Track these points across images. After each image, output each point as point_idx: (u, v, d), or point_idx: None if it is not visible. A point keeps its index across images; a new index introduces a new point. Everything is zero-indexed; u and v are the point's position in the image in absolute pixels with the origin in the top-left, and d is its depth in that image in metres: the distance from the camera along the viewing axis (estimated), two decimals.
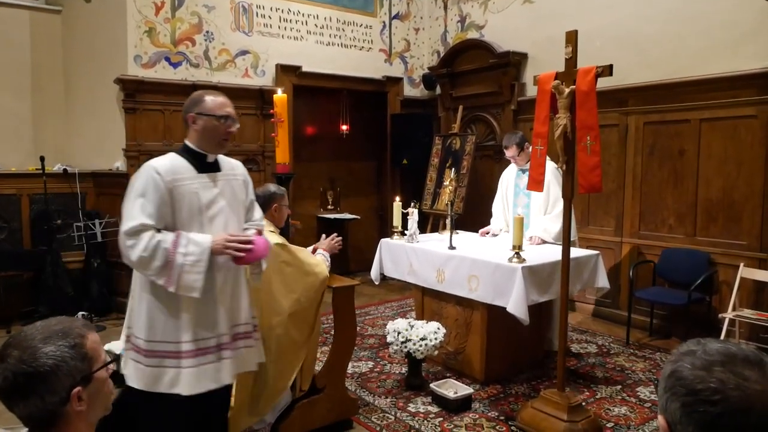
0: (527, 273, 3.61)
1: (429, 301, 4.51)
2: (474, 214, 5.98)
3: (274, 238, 3.16)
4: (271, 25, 6.54)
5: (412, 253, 4.42)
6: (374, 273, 4.74)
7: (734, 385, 0.91)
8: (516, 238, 3.69)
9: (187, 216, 2.36)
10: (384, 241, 4.74)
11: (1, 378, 1.20)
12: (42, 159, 5.33)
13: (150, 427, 2.47)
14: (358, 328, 4.85)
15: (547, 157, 4.00)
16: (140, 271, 2.34)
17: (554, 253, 3.76)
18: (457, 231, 4.81)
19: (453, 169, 6.52)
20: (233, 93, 6.20)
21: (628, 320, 5.00)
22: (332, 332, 3.61)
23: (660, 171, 5.21)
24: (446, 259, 4.12)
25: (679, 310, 4.89)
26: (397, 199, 4.70)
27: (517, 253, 3.69)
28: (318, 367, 3.52)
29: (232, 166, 2.60)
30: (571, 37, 3.16)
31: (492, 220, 4.99)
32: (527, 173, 4.61)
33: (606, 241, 5.58)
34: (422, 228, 5.27)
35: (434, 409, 3.69)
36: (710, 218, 4.89)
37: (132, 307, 2.42)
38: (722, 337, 4.30)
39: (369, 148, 7.88)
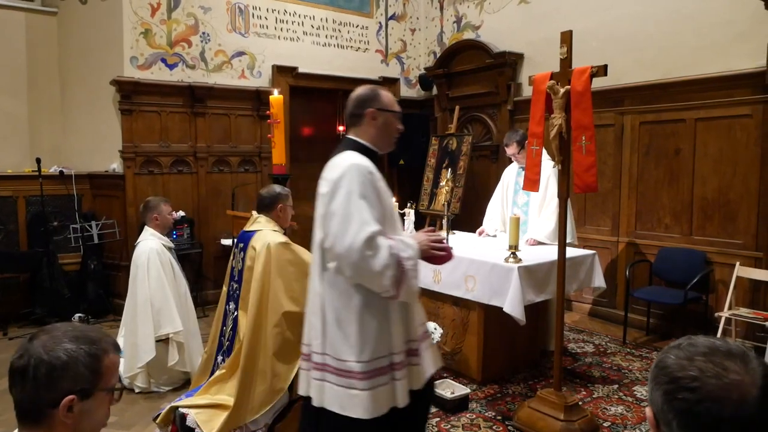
0: (523, 273, 3.62)
1: (426, 302, 4.50)
2: (470, 215, 5.98)
3: (278, 237, 3.19)
4: (267, 26, 6.54)
5: None
6: None
7: (713, 374, 0.93)
8: (512, 237, 3.70)
9: (389, 218, 2.18)
10: None
11: (20, 353, 1.23)
12: (38, 161, 5.33)
13: None
14: None
15: (547, 157, 4.03)
16: (370, 283, 2.03)
17: (550, 253, 3.77)
18: (454, 231, 4.82)
19: (450, 169, 6.52)
20: (229, 94, 6.25)
21: (624, 319, 5.02)
22: None
23: (656, 170, 5.23)
24: None
25: (675, 309, 4.91)
26: (394, 199, 4.69)
27: (513, 253, 3.70)
28: None
29: None
30: (566, 38, 3.17)
31: (485, 221, 4.98)
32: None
33: (602, 240, 5.59)
34: (419, 228, 5.27)
35: (431, 409, 3.69)
36: (706, 217, 4.91)
37: (324, 330, 2.13)
38: (719, 335, 4.31)
39: None
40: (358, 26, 7.29)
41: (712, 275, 4.85)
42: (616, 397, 3.86)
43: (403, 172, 7.51)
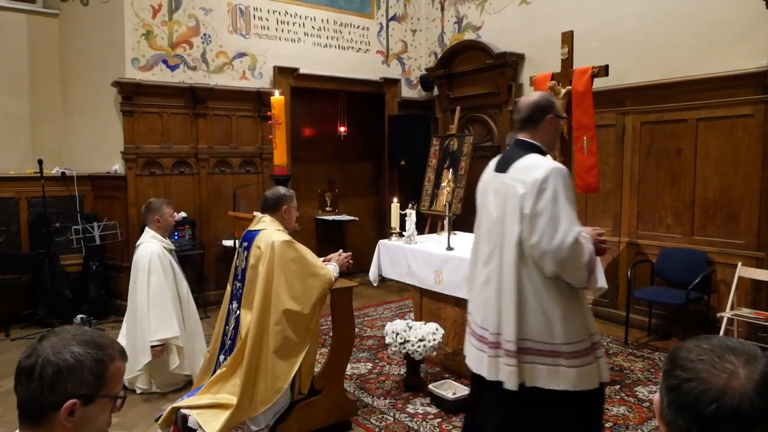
0: None
1: (427, 302, 4.51)
2: (472, 215, 5.93)
3: (282, 235, 3.20)
4: (268, 28, 6.54)
5: (410, 255, 4.42)
6: (372, 274, 4.74)
7: (708, 360, 0.96)
8: None
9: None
10: (382, 242, 4.74)
11: (29, 353, 1.24)
12: (40, 162, 5.34)
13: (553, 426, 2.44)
14: (356, 329, 4.84)
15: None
16: (572, 276, 2.29)
17: None
18: (455, 232, 4.81)
19: (451, 170, 6.52)
20: (231, 95, 6.26)
21: (626, 320, 5.01)
22: (331, 334, 3.61)
23: (657, 170, 5.22)
24: (444, 260, 4.12)
25: (677, 310, 4.90)
26: (395, 200, 4.70)
27: None
28: (317, 369, 3.52)
29: None
30: (567, 38, 3.17)
31: None
32: None
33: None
34: (420, 229, 5.27)
35: (433, 410, 3.69)
36: (708, 217, 4.90)
37: (521, 318, 2.34)
38: (720, 335, 4.30)
39: (367, 150, 7.88)
40: (359, 27, 7.29)
41: (713, 275, 4.84)
42: (618, 397, 3.86)
43: (404, 173, 7.51)
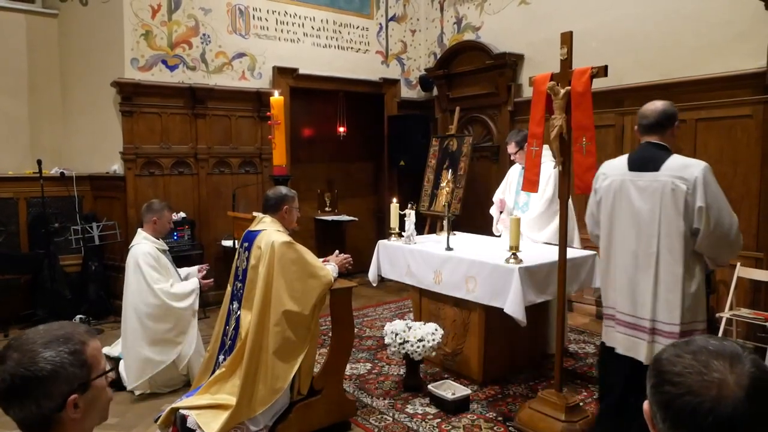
0: (524, 274, 3.61)
1: (427, 303, 4.51)
2: (471, 216, 5.98)
3: (282, 236, 3.21)
4: (267, 28, 6.54)
5: (409, 255, 4.43)
6: (372, 275, 4.74)
7: (695, 371, 0.96)
8: (513, 238, 3.70)
9: None
10: (381, 242, 4.74)
11: (2, 378, 1.20)
12: (39, 162, 5.33)
13: None
14: (356, 329, 4.85)
15: (550, 158, 4.03)
16: (730, 256, 2.79)
17: (551, 253, 3.77)
18: (455, 232, 4.82)
19: (450, 170, 6.52)
20: (230, 96, 6.26)
21: None
22: (330, 334, 3.61)
23: None
24: (443, 261, 4.12)
25: None
26: (395, 200, 4.70)
27: (514, 254, 3.69)
28: (316, 369, 3.52)
29: None
30: (566, 38, 3.17)
31: (492, 208, 5.00)
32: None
33: None
34: (420, 229, 5.28)
35: (432, 410, 3.69)
36: None
37: (683, 303, 2.66)
38: (719, 335, 4.30)
39: (366, 150, 7.88)
40: (358, 27, 7.29)
41: (712, 275, 4.81)
42: None
43: (403, 173, 7.51)
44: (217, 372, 3.21)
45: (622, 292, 2.81)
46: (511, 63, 6.40)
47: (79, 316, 5.44)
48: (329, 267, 3.38)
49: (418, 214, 5.01)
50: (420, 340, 3.83)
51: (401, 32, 7.70)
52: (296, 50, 6.75)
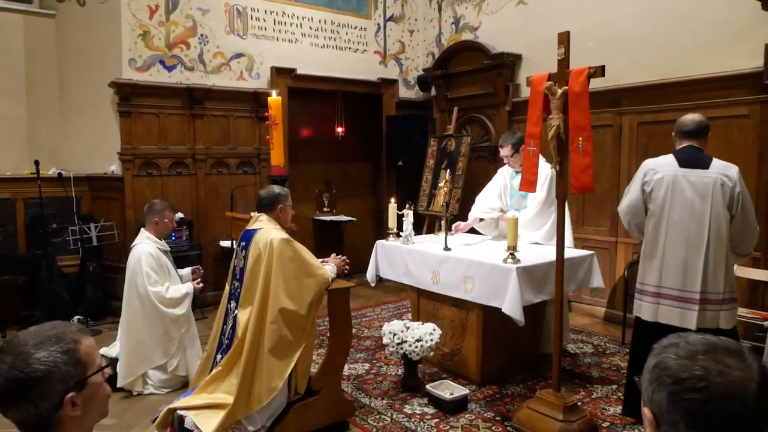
0: (522, 274, 3.62)
1: (425, 303, 4.51)
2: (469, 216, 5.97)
3: (281, 234, 3.21)
4: (265, 28, 6.54)
5: (407, 255, 4.43)
6: (370, 275, 4.74)
7: (717, 372, 0.94)
8: (511, 238, 3.70)
9: None
10: (379, 242, 4.74)
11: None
12: (37, 163, 5.32)
13: None
14: (354, 330, 4.86)
15: (543, 160, 4.02)
16: (754, 243, 3.27)
17: (549, 253, 3.77)
18: (452, 232, 4.81)
19: (448, 170, 6.52)
20: (228, 96, 6.26)
21: (623, 320, 5.02)
22: (328, 334, 3.61)
23: None
24: (442, 261, 4.12)
25: None
26: (393, 200, 4.70)
27: (511, 254, 3.70)
28: (314, 369, 3.52)
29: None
30: (564, 38, 3.17)
31: (473, 208, 4.86)
32: (521, 175, 4.61)
33: (601, 241, 5.59)
34: (418, 229, 5.28)
35: (430, 410, 3.70)
36: None
37: (729, 275, 3.19)
38: None
39: (364, 150, 7.89)
40: (356, 28, 7.29)
41: None
42: (615, 397, 3.87)
43: (401, 173, 7.51)
44: (214, 371, 3.21)
45: (672, 269, 3.22)
46: (509, 63, 6.40)
47: (77, 317, 5.43)
48: (327, 267, 3.37)
49: (416, 214, 5.01)
50: (418, 340, 3.83)
51: (399, 32, 7.70)
52: (294, 50, 6.75)
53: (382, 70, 7.54)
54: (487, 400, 3.85)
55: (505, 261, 3.70)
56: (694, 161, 3.22)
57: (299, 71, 6.69)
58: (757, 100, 4.51)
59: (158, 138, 5.93)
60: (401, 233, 4.60)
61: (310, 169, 7.44)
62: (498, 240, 4.64)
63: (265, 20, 6.54)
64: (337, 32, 7.13)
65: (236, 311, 3.27)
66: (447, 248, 4.19)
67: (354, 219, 7.46)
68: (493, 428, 3.46)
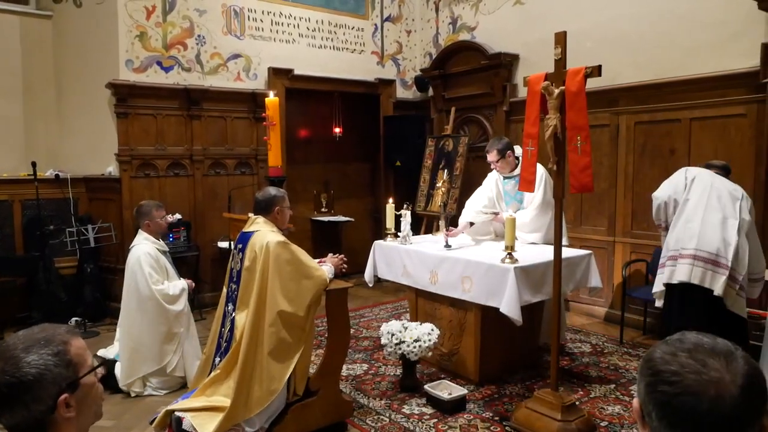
0: (520, 273, 3.62)
1: (423, 303, 4.51)
2: None
3: (277, 236, 3.21)
4: (262, 29, 6.54)
5: (405, 255, 4.43)
6: (368, 275, 4.74)
7: (692, 370, 0.96)
8: (508, 238, 3.70)
9: None
10: (377, 243, 4.74)
11: None
12: (34, 164, 5.31)
13: None
14: (352, 330, 4.86)
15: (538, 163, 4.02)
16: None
17: (547, 253, 3.77)
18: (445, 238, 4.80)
19: (446, 170, 6.53)
20: (225, 97, 6.25)
21: (621, 319, 5.02)
22: (326, 335, 3.61)
23: (651, 170, 5.24)
24: (439, 261, 4.13)
25: None
26: (391, 200, 4.70)
27: (509, 254, 3.70)
28: (312, 370, 3.51)
29: None
30: (561, 38, 3.17)
31: (463, 213, 4.78)
32: (511, 180, 4.60)
33: (599, 240, 5.60)
34: (416, 229, 5.28)
35: (429, 410, 3.70)
36: None
37: (750, 257, 3.55)
38: None
39: (362, 151, 7.88)
40: (353, 28, 7.29)
41: None
42: (613, 396, 3.87)
43: (399, 173, 7.51)
44: (213, 374, 3.21)
45: (708, 237, 3.53)
46: (506, 63, 6.41)
47: (74, 319, 5.42)
48: (325, 268, 3.37)
49: (414, 215, 5.01)
50: (416, 341, 3.83)
51: (396, 33, 7.70)
52: (291, 51, 6.74)
53: (379, 71, 7.54)
54: (485, 400, 3.85)
55: (502, 261, 3.71)
56: (719, 170, 3.93)
57: (296, 72, 6.69)
58: (754, 99, 4.52)
59: (155, 139, 5.92)
60: (399, 233, 4.60)
61: (308, 169, 7.43)
62: (496, 240, 4.64)
63: (262, 21, 6.53)
64: (335, 33, 7.12)
65: (234, 314, 3.26)
66: (447, 246, 4.19)
67: (352, 219, 7.46)
68: (491, 428, 3.46)
